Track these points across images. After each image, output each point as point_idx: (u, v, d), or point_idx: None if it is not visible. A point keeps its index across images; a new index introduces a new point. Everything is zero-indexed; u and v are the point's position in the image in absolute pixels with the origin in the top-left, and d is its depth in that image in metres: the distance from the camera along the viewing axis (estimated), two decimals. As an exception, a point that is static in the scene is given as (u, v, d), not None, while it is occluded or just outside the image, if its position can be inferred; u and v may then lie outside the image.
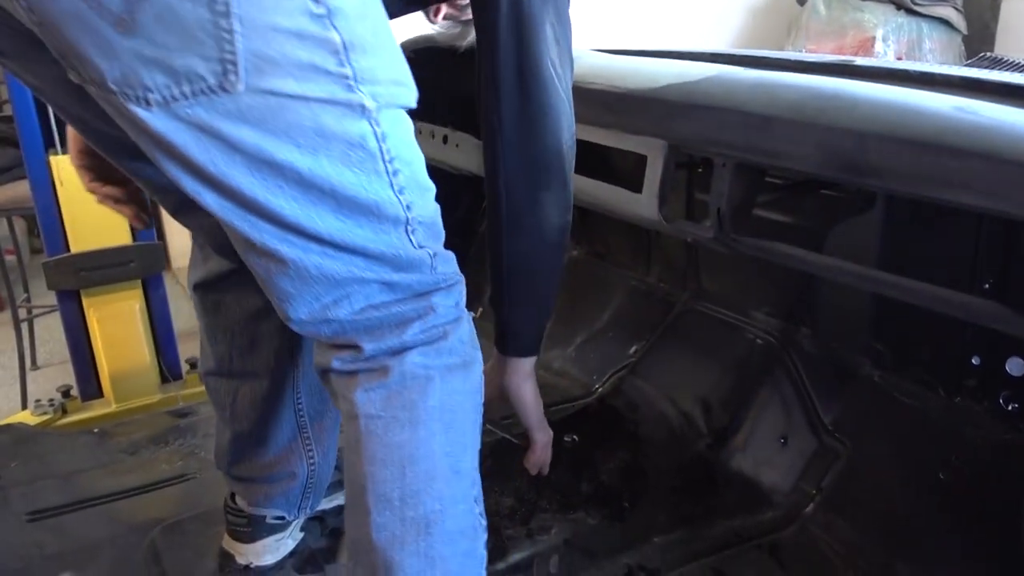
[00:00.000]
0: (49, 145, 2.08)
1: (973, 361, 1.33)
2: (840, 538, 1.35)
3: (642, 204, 1.40)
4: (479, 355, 1.00)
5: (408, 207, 0.89)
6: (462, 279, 0.98)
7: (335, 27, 0.77)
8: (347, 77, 0.79)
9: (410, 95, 0.87)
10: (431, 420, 0.92)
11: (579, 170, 1.55)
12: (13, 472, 1.62)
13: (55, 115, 2.06)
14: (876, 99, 1.08)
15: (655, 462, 1.60)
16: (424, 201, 0.91)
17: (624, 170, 1.53)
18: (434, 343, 0.93)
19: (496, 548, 1.36)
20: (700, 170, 1.53)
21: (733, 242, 1.30)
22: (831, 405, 1.52)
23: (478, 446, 0.98)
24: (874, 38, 3.75)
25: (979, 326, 1.27)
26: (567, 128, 1.16)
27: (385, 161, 0.85)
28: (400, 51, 0.87)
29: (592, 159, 1.55)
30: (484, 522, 0.99)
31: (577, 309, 2.11)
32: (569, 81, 1.16)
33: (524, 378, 1.28)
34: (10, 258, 3.19)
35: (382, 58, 0.83)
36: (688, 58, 1.61)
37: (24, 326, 2.87)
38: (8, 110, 3.08)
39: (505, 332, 1.25)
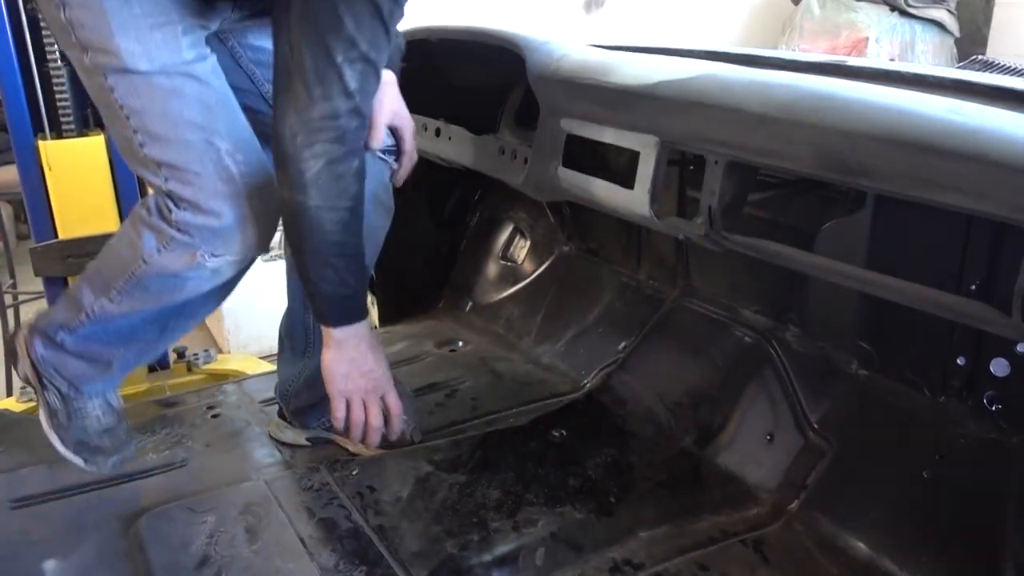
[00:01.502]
0: (38, 130, 2.07)
1: (958, 361, 1.34)
2: (825, 535, 1.36)
3: (634, 200, 1.40)
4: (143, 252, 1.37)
5: (141, 144, 1.29)
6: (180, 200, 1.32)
7: (64, 11, 1.23)
8: (77, 46, 1.25)
9: (117, 62, 1.23)
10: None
11: (572, 164, 1.56)
12: (-2, 458, 1.62)
13: (44, 100, 2.05)
14: (868, 100, 1.08)
15: (642, 457, 1.60)
16: (160, 145, 1.29)
17: (616, 166, 1.53)
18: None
19: (482, 540, 1.37)
20: (692, 168, 1.53)
21: (724, 240, 1.31)
22: (817, 403, 1.52)
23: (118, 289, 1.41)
24: (867, 39, 3.77)
25: (965, 326, 1.29)
26: (296, 115, 1.21)
27: (117, 106, 1.27)
28: (127, 29, 1.23)
29: (584, 154, 1.56)
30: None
31: (566, 304, 2.11)
32: (313, 69, 1.18)
33: (326, 346, 1.40)
34: (-3, 244, 3.17)
35: (95, 32, 1.22)
36: (682, 55, 1.61)
37: (10, 313, 2.86)
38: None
39: None
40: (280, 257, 2.28)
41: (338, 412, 1.43)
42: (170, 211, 1.32)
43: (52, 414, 1.52)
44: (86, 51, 1.25)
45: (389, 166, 1.54)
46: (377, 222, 1.55)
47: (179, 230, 1.32)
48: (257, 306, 2.54)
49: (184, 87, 1.28)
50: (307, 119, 1.20)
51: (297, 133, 1.21)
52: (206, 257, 1.34)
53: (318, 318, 1.41)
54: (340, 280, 1.33)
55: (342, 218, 1.28)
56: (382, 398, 1.46)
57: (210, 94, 1.31)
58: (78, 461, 1.52)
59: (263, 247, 1.39)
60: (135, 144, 1.30)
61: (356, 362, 1.41)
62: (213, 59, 1.34)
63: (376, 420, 1.45)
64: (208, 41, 1.35)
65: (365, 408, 1.45)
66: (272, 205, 1.35)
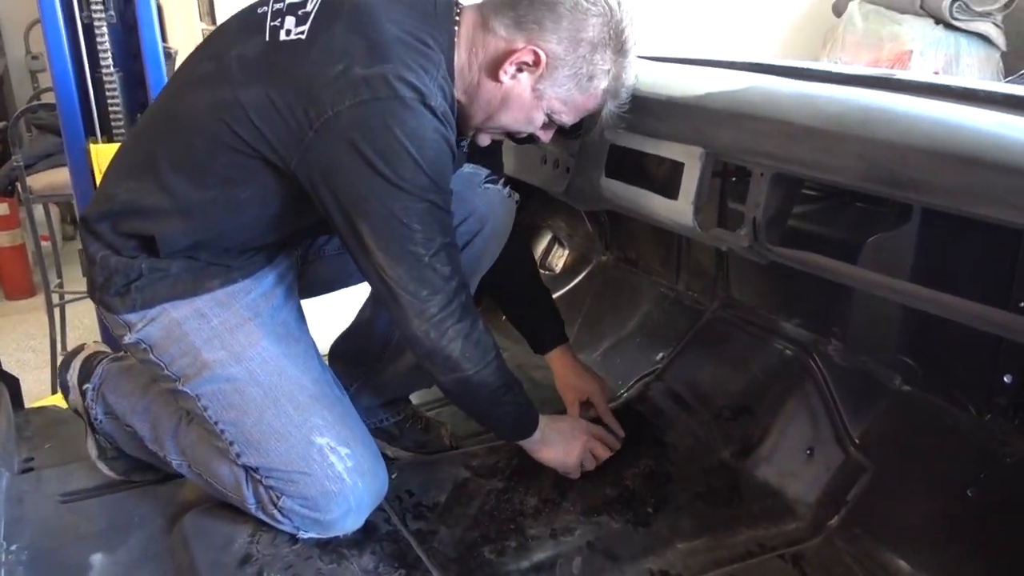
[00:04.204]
0: (90, 133, 2.11)
1: (1005, 379, 1.32)
2: (865, 551, 1.35)
3: (677, 211, 1.40)
4: None
5: (239, 455, 1.35)
6: None
7: (152, 353, 1.35)
8: (175, 379, 1.35)
9: (208, 373, 1.33)
10: None
11: (614, 174, 1.57)
12: (46, 454, 1.66)
13: (96, 104, 2.10)
14: (919, 113, 1.08)
15: (680, 468, 1.60)
16: (259, 453, 1.34)
17: (659, 176, 1.54)
18: None
19: (519, 547, 1.37)
20: (734, 179, 1.53)
21: (768, 252, 1.30)
22: (859, 418, 1.51)
23: None
24: (911, 52, 3.72)
25: (1012, 344, 1.27)
26: (418, 318, 1.29)
27: (212, 423, 1.35)
28: (211, 340, 1.33)
29: (627, 164, 1.56)
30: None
31: (604, 314, 2.12)
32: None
33: (535, 451, 1.53)
34: (44, 244, 3.24)
35: (186, 356, 1.33)
36: (728, 67, 1.61)
37: (56, 312, 2.92)
38: (49, 98, 3.14)
39: None
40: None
41: (579, 474, 1.56)
42: (278, 497, 1.35)
43: (102, 451, 1.55)
44: (179, 380, 1.34)
45: (512, 198, 1.59)
46: (492, 254, 1.59)
47: (283, 514, 1.35)
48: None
49: (275, 388, 1.34)
50: (428, 317, 1.27)
51: (428, 331, 1.28)
52: (300, 533, 1.38)
53: (514, 440, 1.53)
54: (516, 405, 1.44)
55: (496, 365, 1.37)
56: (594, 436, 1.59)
57: (303, 386, 1.36)
58: (131, 479, 1.56)
59: (356, 528, 1.40)
60: (231, 455, 1.36)
61: (563, 441, 1.54)
62: (303, 334, 1.43)
63: (605, 455, 1.59)
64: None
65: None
66: (377, 493, 1.41)
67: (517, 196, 1.60)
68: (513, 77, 1.29)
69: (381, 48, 1.20)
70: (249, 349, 1.34)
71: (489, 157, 1.62)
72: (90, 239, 1.35)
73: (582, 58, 1.26)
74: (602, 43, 1.27)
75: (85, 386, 1.54)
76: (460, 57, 1.29)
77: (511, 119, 1.34)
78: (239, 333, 1.34)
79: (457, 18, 1.30)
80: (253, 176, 1.27)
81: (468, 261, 1.49)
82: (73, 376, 1.57)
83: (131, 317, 1.33)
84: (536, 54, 1.26)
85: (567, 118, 1.35)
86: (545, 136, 1.40)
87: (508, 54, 1.27)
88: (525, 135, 1.41)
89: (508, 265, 1.62)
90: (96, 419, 1.53)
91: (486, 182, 1.55)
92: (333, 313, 1.77)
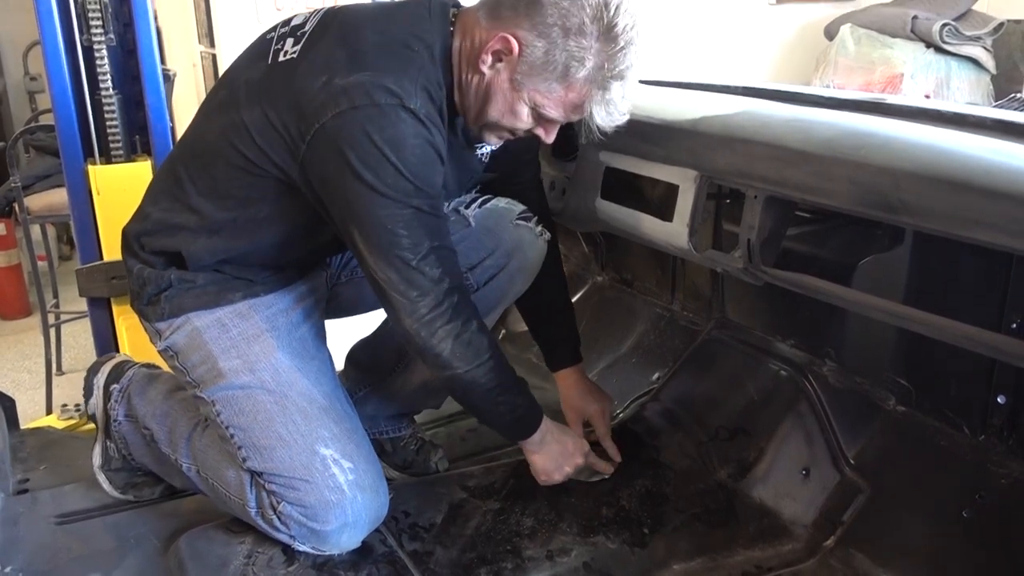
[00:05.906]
0: (88, 155, 2.12)
1: (999, 399, 1.33)
2: (861, 572, 1.35)
3: (672, 233, 1.41)
4: None
5: (244, 459, 1.37)
6: None
7: (177, 359, 1.41)
8: (195, 385, 1.41)
9: (224, 382, 1.38)
10: None
11: (610, 196, 1.58)
12: (42, 475, 1.65)
13: (95, 126, 2.11)
14: (910, 139, 1.10)
15: (676, 489, 1.60)
16: (264, 457, 1.36)
17: (654, 198, 1.55)
18: None
19: (516, 568, 1.37)
20: (728, 201, 1.54)
21: (762, 273, 1.32)
22: (854, 439, 1.51)
23: None
24: (902, 75, 3.76)
25: (1005, 364, 1.28)
26: (408, 318, 1.32)
27: (224, 428, 1.39)
28: (229, 350, 1.39)
29: (622, 186, 1.58)
30: None
31: (600, 335, 2.12)
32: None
33: (530, 452, 1.52)
34: (41, 264, 3.24)
35: (204, 363, 1.39)
36: (722, 91, 1.63)
37: (51, 332, 2.92)
38: (48, 119, 3.15)
39: None
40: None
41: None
42: (278, 503, 1.36)
43: (107, 460, 1.57)
44: (199, 386, 1.40)
45: (542, 236, 1.58)
46: (518, 289, 1.60)
47: (280, 520, 1.36)
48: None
49: (286, 398, 1.38)
50: (418, 317, 1.30)
51: (419, 331, 1.31)
52: (296, 543, 1.38)
53: (511, 440, 1.54)
54: (512, 407, 1.44)
55: (490, 367, 1.37)
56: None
57: (313, 399, 1.39)
58: (126, 498, 1.56)
59: (353, 547, 1.40)
60: (238, 459, 1.38)
61: (561, 452, 1.53)
62: (320, 351, 1.46)
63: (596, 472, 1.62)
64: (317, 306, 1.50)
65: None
66: (376, 512, 1.40)
67: (549, 235, 1.60)
68: (492, 67, 1.27)
69: (360, 57, 1.23)
70: (263, 359, 1.38)
71: (527, 191, 1.62)
72: (127, 254, 1.44)
73: (554, 44, 1.22)
74: (578, 29, 1.21)
75: (113, 386, 1.58)
76: (455, 54, 1.30)
77: (496, 112, 1.31)
78: (255, 344, 1.38)
79: (453, 18, 1.30)
80: (267, 194, 1.33)
81: (491, 295, 1.51)
82: (101, 378, 1.61)
83: (161, 325, 1.41)
84: (508, 41, 1.23)
85: (553, 112, 1.29)
86: (546, 136, 1.35)
87: (485, 43, 1.26)
88: (524, 133, 1.36)
89: (539, 283, 1.63)
90: (115, 420, 1.55)
91: (518, 219, 1.56)
92: (359, 325, 1.78)
